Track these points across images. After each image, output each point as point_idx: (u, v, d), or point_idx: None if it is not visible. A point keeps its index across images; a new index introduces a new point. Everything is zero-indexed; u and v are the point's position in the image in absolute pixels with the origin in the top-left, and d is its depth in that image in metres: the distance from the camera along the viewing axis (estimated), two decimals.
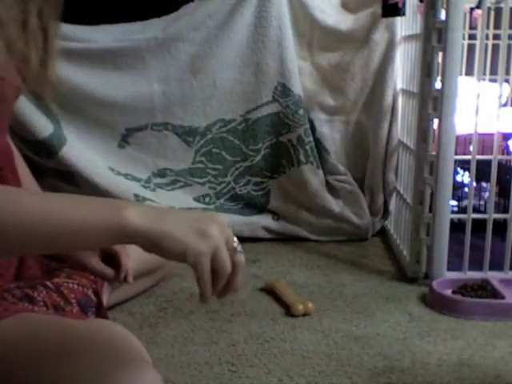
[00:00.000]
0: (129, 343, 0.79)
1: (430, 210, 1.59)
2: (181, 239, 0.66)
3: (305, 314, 1.41)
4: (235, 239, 0.72)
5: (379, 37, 1.95)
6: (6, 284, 0.97)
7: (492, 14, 1.81)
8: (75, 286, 1.13)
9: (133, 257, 1.24)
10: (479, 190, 1.93)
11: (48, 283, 1.07)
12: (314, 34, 2.01)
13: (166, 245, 0.66)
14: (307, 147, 1.98)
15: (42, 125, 1.85)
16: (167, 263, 1.53)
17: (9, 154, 1.02)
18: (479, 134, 1.55)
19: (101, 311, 1.17)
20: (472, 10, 1.69)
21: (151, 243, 0.66)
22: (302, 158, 1.99)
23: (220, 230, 0.69)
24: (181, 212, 0.74)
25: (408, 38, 1.83)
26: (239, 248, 0.73)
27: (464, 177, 1.94)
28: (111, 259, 1.22)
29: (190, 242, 0.66)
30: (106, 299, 1.25)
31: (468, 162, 1.57)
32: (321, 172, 2.01)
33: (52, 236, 0.65)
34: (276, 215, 2.03)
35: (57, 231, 0.65)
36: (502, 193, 1.85)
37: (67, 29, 1.91)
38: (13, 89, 0.90)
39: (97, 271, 1.20)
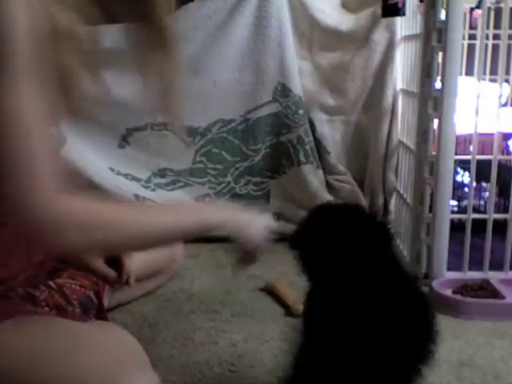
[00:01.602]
0: (128, 345, 0.79)
1: (430, 210, 1.58)
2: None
3: None
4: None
5: (379, 37, 1.95)
6: (13, 283, 0.97)
7: (492, 13, 1.81)
8: (77, 287, 1.13)
9: (135, 261, 1.24)
10: (479, 190, 1.93)
11: (50, 283, 1.07)
12: (314, 34, 2.01)
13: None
14: (307, 147, 1.98)
15: None
16: (169, 267, 1.53)
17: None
18: (479, 134, 1.55)
19: (101, 313, 1.17)
20: (472, 10, 1.69)
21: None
22: (302, 158, 1.99)
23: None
24: None
25: (408, 37, 1.83)
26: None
27: (464, 177, 1.94)
28: (114, 262, 1.21)
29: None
30: (106, 302, 1.25)
31: (468, 161, 1.57)
32: (321, 172, 2.01)
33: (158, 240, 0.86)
34: (276, 215, 2.03)
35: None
36: (502, 193, 1.85)
37: None
38: None
39: (99, 273, 1.20)
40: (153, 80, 0.91)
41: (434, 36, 1.51)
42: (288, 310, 1.43)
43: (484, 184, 1.91)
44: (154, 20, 0.86)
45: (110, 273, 1.21)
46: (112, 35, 1.94)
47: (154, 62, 0.90)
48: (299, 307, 1.41)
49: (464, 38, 1.75)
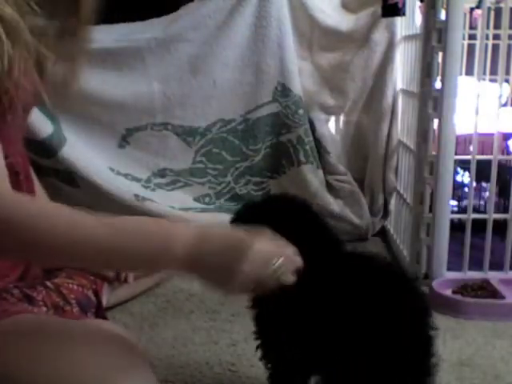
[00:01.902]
0: (127, 344, 0.79)
1: (430, 210, 1.59)
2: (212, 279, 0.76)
3: None
4: (276, 260, 0.76)
5: (379, 37, 1.95)
6: (7, 284, 0.97)
7: (492, 13, 1.81)
8: (75, 287, 1.13)
9: None
10: (479, 190, 1.93)
11: (48, 283, 1.07)
12: (313, 34, 2.00)
13: (201, 276, 0.78)
14: (307, 147, 1.98)
15: (41, 125, 1.85)
16: None
17: (25, 160, 1.01)
18: (479, 134, 1.55)
19: (100, 312, 1.18)
20: (472, 10, 1.69)
21: (189, 272, 0.77)
22: (302, 157, 1.99)
23: (251, 265, 0.73)
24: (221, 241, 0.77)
25: (408, 37, 1.83)
26: (277, 266, 0.76)
27: (464, 177, 1.94)
28: None
29: (218, 283, 0.77)
30: (105, 300, 1.25)
31: (468, 161, 1.57)
32: (321, 172, 2.01)
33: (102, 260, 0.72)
34: None
35: (108, 257, 0.71)
36: (502, 193, 1.85)
37: None
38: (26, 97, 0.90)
39: (98, 271, 1.20)
40: (60, 67, 0.90)
41: (434, 36, 1.51)
42: None
43: (484, 184, 1.92)
44: (81, 15, 0.87)
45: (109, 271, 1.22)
46: (110, 35, 1.97)
47: (71, 51, 0.90)
48: None
49: (464, 38, 1.75)
